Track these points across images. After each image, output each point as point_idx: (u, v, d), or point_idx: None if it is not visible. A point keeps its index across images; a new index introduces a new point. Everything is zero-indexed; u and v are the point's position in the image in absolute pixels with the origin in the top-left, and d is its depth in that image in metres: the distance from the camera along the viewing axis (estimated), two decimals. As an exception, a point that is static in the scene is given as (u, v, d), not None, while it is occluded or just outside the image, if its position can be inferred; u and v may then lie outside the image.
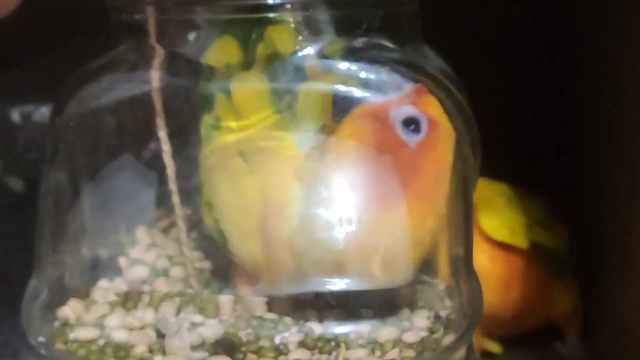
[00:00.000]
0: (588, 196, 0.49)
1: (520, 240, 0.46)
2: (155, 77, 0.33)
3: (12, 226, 0.44)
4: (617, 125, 0.44)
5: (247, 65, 0.34)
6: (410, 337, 0.33)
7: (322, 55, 0.33)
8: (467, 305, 0.35)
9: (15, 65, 0.46)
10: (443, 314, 0.34)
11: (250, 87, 0.34)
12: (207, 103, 0.34)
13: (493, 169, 0.42)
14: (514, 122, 0.53)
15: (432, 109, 0.33)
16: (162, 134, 0.34)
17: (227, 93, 0.34)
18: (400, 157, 0.33)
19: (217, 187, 0.34)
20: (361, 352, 0.32)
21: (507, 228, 0.46)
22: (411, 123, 0.33)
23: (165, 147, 0.35)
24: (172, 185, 0.35)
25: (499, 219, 0.46)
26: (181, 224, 0.36)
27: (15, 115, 0.45)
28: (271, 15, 0.33)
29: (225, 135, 0.34)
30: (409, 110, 0.33)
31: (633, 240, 0.41)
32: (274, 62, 0.33)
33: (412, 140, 0.33)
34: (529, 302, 0.46)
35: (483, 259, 0.45)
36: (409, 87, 0.33)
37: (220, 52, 0.34)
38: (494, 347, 0.48)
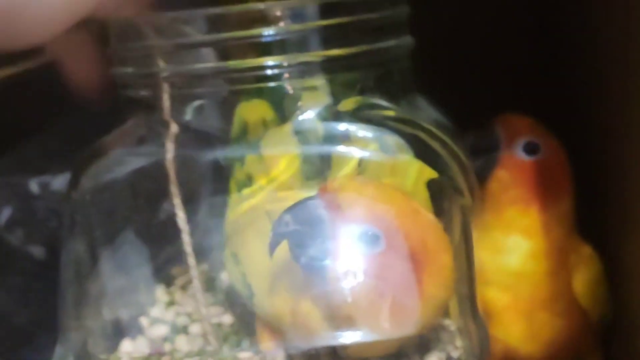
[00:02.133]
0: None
1: None
2: (169, 149, 0.35)
3: (36, 292, 0.45)
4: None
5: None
6: (423, 380, 0.34)
7: (321, 118, 0.35)
8: (476, 345, 0.36)
9: (32, 137, 0.48)
10: (455, 354, 0.35)
11: (280, 149, 0.35)
12: (238, 161, 0.36)
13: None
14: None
15: None
16: (177, 200, 0.36)
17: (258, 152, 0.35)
18: None
19: (246, 244, 0.36)
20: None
21: None
22: None
23: (180, 213, 0.36)
24: (188, 248, 0.36)
25: None
26: (197, 284, 0.37)
27: (34, 185, 0.47)
28: (271, 84, 0.35)
29: (255, 192, 0.35)
30: None
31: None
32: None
33: None
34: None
35: None
36: None
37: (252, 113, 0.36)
38: None
